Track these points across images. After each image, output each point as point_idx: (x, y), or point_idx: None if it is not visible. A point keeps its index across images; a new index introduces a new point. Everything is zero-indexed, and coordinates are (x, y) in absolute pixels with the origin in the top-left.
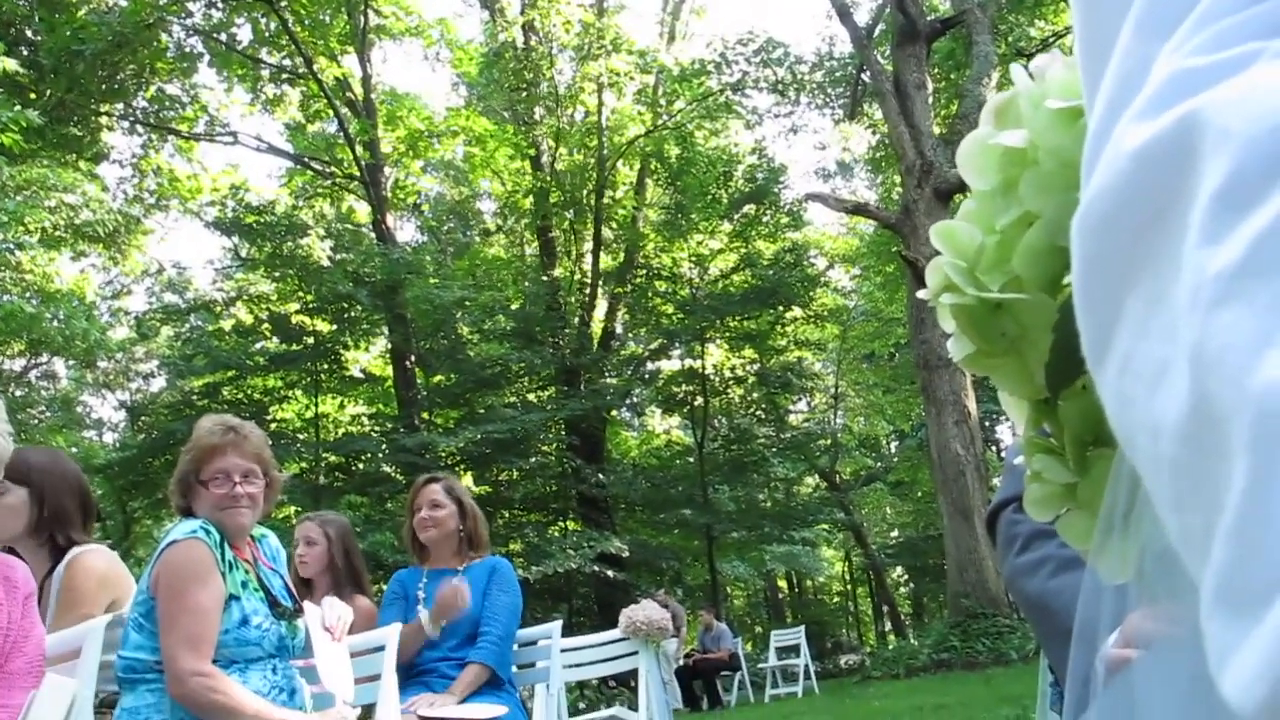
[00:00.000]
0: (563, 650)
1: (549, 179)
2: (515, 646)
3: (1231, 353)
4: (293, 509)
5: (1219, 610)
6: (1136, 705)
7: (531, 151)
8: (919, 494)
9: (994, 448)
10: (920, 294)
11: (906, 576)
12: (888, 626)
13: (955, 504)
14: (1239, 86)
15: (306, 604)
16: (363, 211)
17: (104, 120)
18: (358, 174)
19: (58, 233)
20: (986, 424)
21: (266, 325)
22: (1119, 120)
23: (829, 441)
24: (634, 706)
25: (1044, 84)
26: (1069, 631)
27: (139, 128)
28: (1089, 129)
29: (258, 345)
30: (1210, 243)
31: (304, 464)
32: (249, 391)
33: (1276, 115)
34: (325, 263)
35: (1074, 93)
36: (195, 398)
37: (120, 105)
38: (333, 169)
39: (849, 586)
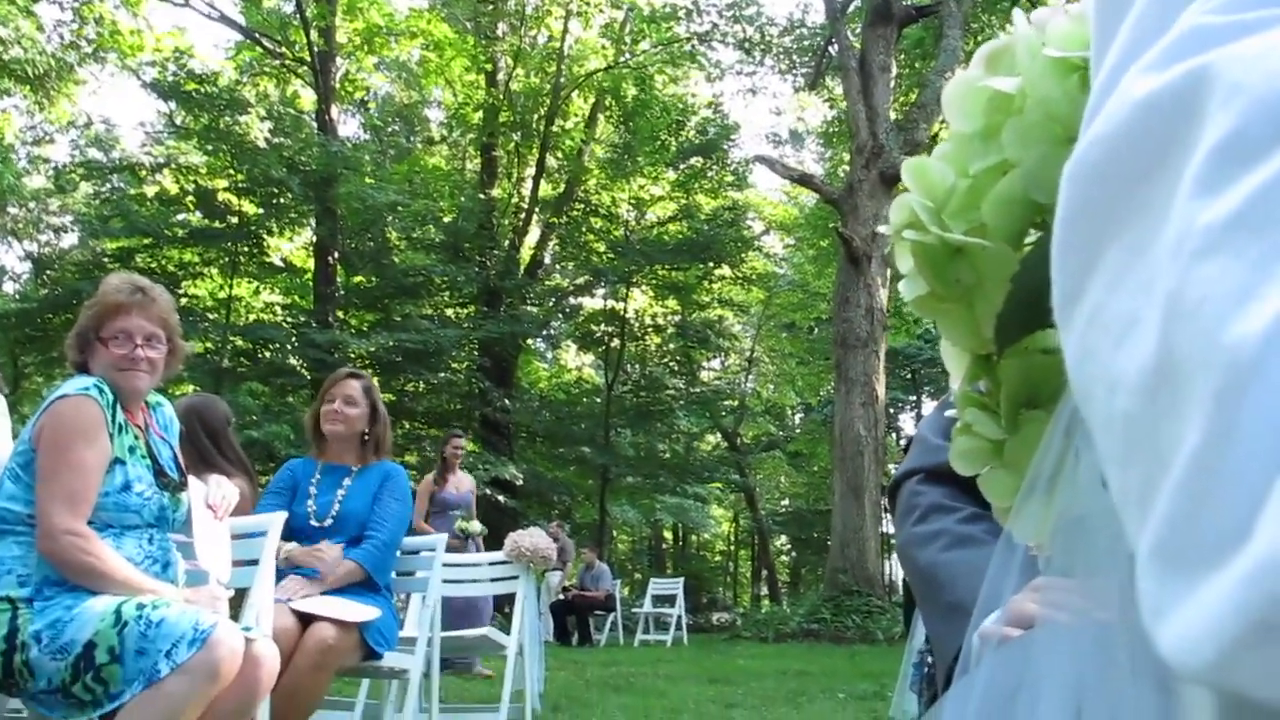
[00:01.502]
0: (444, 565)
1: (501, 98)
2: (398, 554)
3: (1210, 304)
4: (191, 388)
5: (1157, 566)
6: (1028, 670)
7: (488, 67)
8: (815, 468)
9: (895, 434)
10: (881, 228)
11: (790, 546)
12: (764, 591)
13: (849, 482)
14: (1255, 45)
15: (191, 479)
16: (307, 99)
17: None
18: (308, 59)
19: None
20: (891, 410)
21: (191, 198)
22: (1128, 71)
23: (736, 403)
24: (506, 630)
25: (1043, 34)
26: (952, 605)
27: None
28: (1097, 80)
29: (179, 217)
30: (1204, 194)
31: (210, 344)
32: (163, 262)
33: None
34: (261, 144)
35: (1073, 44)
36: (107, 260)
37: None
38: (283, 50)
39: (732, 547)
